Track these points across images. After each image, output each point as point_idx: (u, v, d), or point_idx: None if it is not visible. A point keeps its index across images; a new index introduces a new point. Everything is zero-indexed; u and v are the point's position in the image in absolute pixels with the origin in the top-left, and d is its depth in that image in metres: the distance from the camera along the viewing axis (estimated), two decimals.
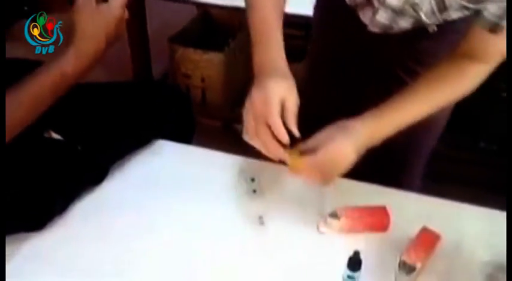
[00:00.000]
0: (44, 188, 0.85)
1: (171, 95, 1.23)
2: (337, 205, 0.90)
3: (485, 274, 0.82)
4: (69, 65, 0.75)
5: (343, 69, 1.09)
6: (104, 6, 0.78)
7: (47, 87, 0.75)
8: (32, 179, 0.84)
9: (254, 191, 0.95)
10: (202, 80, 2.11)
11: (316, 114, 0.86)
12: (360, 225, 0.87)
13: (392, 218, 0.88)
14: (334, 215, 0.87)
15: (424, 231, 0.85)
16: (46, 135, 0.93)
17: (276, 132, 0.76)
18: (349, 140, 0.78)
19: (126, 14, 0.81)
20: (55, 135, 0.93)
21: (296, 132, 0.77)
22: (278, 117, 0.75)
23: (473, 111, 2.16)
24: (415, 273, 0.78)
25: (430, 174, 1.32)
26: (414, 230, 0.86)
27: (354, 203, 0.91)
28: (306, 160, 0.78)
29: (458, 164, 2.11)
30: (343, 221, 0.86)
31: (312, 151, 0.78)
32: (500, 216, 0.91)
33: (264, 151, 0.79)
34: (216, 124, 2.08)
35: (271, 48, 0.83)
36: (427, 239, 0.83)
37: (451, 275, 0.83)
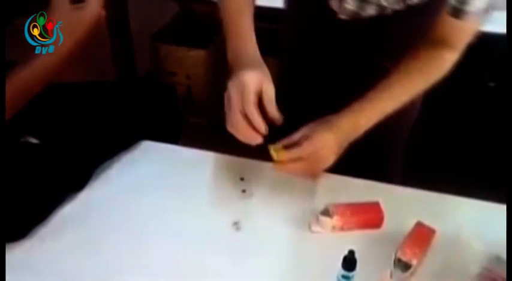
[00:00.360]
0: (23, 195, 0.81)
1: (157, 92, 1.20)
2: (328, 201, 0.87)
3: (481, 266, 0.81)
4: (41, 63, 0.74)
5: (316, 58, 1.09)
6: (79, 6, 0.76)
7: (17, 86, 0.73)
8: (10, 187, 0.80)
9: (243, 191, 0.93)
10: (188, 77, 2.08)
11: (292, 106, 0.87)
12: (353, 223, 0.85)
13: (385, 214, 0.86)
14: (326, 213, 0.85)
15: (419, 226, 0.83)
16: (23, 140, 0.89)
17: (252, 121, 0.77)
18: (332, 132, 0.80)
19: (103, 14, 0.79)
20: (32, 140, 0.90)
21: (277, 115, 0.78)
22: (253, 106, 0.76)
23: (460, 102, 2.17)
24: (411, 270, 0.76)
25: (416, 165, 1.31)
26: (408, 225, 0.84)
27: (344, 199, 0.89)
28: (291, 153, 0.79)
29: (445, 155, 2.13)
30: (335, 220, 0.84)
31: (295, 144, 0.80)
32: (494, 208, 0.91)
33: (242, 139, 0.80)
34: (203, 122, 2.05)
35: (244, 39, 0.85)
36: (422, 235, 0.81)
37: (447, 269, 0.81)
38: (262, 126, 0.77)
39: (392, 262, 0.77)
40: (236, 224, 0.86)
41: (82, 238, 0.84)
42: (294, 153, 0.80)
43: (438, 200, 0.93)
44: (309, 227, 0.86)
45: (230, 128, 0.80)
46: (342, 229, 0.85)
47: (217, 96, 2.03)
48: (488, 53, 1.90)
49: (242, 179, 0.95)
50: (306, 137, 0.80)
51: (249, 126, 0.77)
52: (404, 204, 0.91)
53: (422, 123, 1.15)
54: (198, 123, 2.01)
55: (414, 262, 0.76)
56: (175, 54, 2.04)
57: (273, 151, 0.81)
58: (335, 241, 0.84)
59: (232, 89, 0.78)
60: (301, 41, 1.12)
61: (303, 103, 1.12)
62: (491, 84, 2.12)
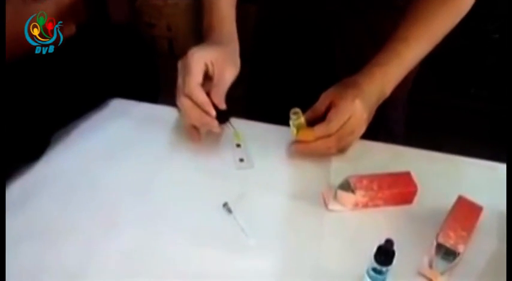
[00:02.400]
0: None
1: (131, 43, 1.00)
2: (347, 172, 0.70)
3: None
4: None
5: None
6: None
7: None
8: None
9: (241, 160, 0.75)
10: (169, 29, 1.88)
11: (271, 57, 0.83)
12: (381, 198, 0.68)
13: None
14: (345, 187, 0.68)
15: (462, 202, 0.67)
16: None
17: (197, 103, 0.69)
18: (362, 99, 0.70)
19: None
20: None
21: (222, 106, 0.70)
22: (196, 88, 0.68)
23: (464, 56, 2.08)
24: (458, 258, 0.60)
25: (419, 122, 1.21)
26: (447, 200, 0.68)
27: (367, 169, 0.72)
28: (317, 131, 0.70)
29: (449, 111, 2.07)
30: (359, 195, 0.67)
31: (319, 117, 0.71)
32: None
33: (191, 125, 0.73)
34: None
35: (219, 16, 0.78)
36: (467, 213, 0.65)
37: (498, 255, 0.65)
38: (211, 110, 0.69)
39: (433, 248, 0.61)
40: (230, 204, 0.68)
41: (37, 218, 0.65)
42: (321, 131, 0.70)
43: (483, 170, 0.77)
44: (325, 205, 0.69)
45: (179, 115, 0.73)
46: (366, 206, 0.68)
47: None
48: (491, 3, 1.80)
49: (238, 145, 0.77)
50: (333, 108, 0.70)
51: (198, 110, 0.69)
52: (441, 174, 0.74)
53: (425, 79, 1.02)
54: None
55: (461, 248, 0.60)
56: (154, 3, 1.83)
57: (294, 126, 0.71)
58: (357, 221, 0.67)
59: (179, 69, 0.71)
60: None
61: (285, 53, 0.97)
62: (496, 36, 2.03)
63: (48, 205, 0.67)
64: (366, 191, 0.67)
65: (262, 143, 0.78)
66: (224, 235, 0.65)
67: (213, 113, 0.69)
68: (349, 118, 0.69)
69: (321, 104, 0.72)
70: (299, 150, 0.73)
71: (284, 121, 0.75)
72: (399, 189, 0.68)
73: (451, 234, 0.62)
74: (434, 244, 0.61)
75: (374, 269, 0.57)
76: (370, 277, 0.58)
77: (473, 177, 0.74)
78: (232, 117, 0.74)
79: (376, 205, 0.69)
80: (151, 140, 0.79)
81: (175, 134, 0.80)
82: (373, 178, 0.69)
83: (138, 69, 0.95)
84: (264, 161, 0.75)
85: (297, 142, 0.73)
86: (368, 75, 0.73)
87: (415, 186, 0.68)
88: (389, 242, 0.54)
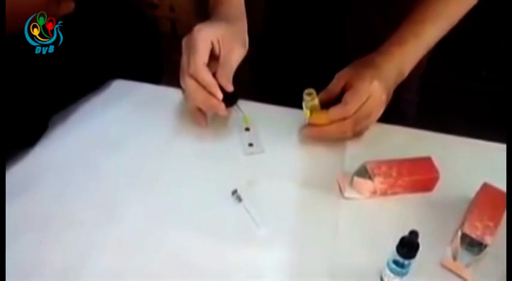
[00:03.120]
0: None
1: (133, 20, 0.95)
2: (363, 158, 0.66)
3: None
4: None
5: None
6: None
7: None
8: None
9: (250, 144, 0.70)
10: (172, 9, 1.82)
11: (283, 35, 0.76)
12: (401, 185, 0.64)
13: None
14: (363, 173, 0.64)
15: (487, 189, 0.62)
16: None
17: (203, 85, 0.64)
18: (380, 80, 0.65)
19: None
20: None
21: (230, 88, 0.65)
22: (201, 67, 0.64)
23: (475, 38, 2.03)
24: (485, 251, 0.56)
25: (428, 104, 1.16)
26: (470, 188, 0.64)
27: (385, 154, 0.67)
28: (332, 114, 0.65)
29: (459, 93, 2.02)
30: (378, 182, 0.62)
31: (333, 99, 0.66)
32: None
33: (196, 107, 0.68)
34: None
35: None
36: (492, 202, 0.60)
37: None
38: (216, 92, 0.64)
39: (458, 240, 0.57)
40: (239, 192, 0.64)
41: (34, 213, 0.61)
42: (336, 113, 0.64)
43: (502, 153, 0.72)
44: (341, 192, 0.65)
45: (183, 96, 0.70)
46: (384, 193, 0.64)
47: None
48: None
49: (247, 129, 0.72)
50: (350, 88, 0.65)
51: (204, 92, 0.65)
52: (463, 159, 0.70)
53: (435, 61, 0.97)
54: None
55: (488, 240, 0.56)
56: None
57: (307, 109, 0.66)
58: (375, 209, 0.63)
59: (183, 47, 0.67)
60: None
61: (295, 33, 0.92)
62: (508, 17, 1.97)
63: (45, 196, 0.63)
64: (385, 177, 0.62)
65: (273, 126, 0.73)
66: (233, 225, 0.61)
67: (220, 95, 0.65)
68: (366, 100, 0.64)
69: (335, 85, 0.67)
70: (312, 134, 0.69)
71: (295, 104, 0.71)
72: (420, 176, 0.64)
73: (477, 224, 0.58)
74: (459, 234, 0.57)
75: (395, 262, 0.53)
76: (390, 269, 0.54)
77: (499, 163, 0.69)
78: (240, 100, 0.69)
79: (395, 193, 0.64)
80: (154, 124, 0.74)
81: (179, 118, 0.75)
82: (392, 163, 0.64)
83: (140, 49, 0.90)
84: (274, 145, 0.71)
85: (309, 125, 0.68)
86: (386, 55, 0.68)
87: (436, 172, 0.64)
88: (414, 234, 0.50)
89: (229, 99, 0.66)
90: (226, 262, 0.57)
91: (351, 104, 0.64)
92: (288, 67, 0.96)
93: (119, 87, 0.82)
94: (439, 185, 0.66)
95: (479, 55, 2.10)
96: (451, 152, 0.70)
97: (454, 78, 2.09)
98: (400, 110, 0.93)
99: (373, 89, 0.64)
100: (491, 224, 0.58)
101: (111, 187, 0.65)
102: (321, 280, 0.56)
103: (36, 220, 0.60)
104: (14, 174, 0.66)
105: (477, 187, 0.63)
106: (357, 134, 0.69)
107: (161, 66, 1.03)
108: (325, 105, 0.67)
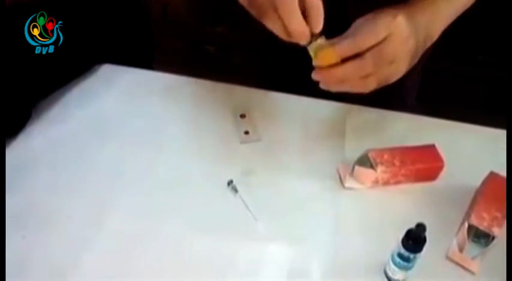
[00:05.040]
0: None
1: (125, 4, 0.90)
2: (365, 145, 0.63)
3: None
4: None
5: None
6: None
7: None
8: None
9: (246, 132, 0.67)
10: None
11: None
12: (404, 175, 0.61)
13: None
14: (364, 162, 0.61)
15: (494, 179, 0.60)
16: None
17: (286, 22, 0.48)
18: (405, 16, 0.52)
19: None
20: None
21: (319, 26, 0.49)
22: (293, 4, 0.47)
23: (471, 22, 2.00)
24: (493, 243, 0.54)
25: (423, 90, 1.14)
26: (475, 176, 0.61)
27: (384, 142, 0.65)
28: (341, 48, 0.50)
29: (454, 79, 1.99)
30: (380, 171, 0.59)
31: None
32: None
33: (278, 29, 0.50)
34: (182, 45, 1.75)
35: None
36: (500, 192, 0.58)
37: None
38: (303, 28, 0.49)
39: (465, 231, 0.55)
40: (235, 182, 0.61)
41: (19, 209, 0.58)
42: (344, 46, 0.50)
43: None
44: (341, 182, 0.62)
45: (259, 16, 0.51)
46: (386, 183, 0.61)
47: (199, 16, 1.75)
48: None
49: (243, 116, 0.69)
50: (367, 22, 0.52)
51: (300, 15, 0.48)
52: (467, 147, 0.67)
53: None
54: (176, 47, 1.72)
55: (496, 231, 0.54)
56: None
57: (312, 51, 0.52)
58: (377, 199, 0.61)
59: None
60: None
61: None
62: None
63: (28, 188, 0.60)
64: (387, 166, 0.60)
65: (270, 113, 0.70)
66: (229, 218, 0.58)
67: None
68: (386, 38, 0.51)
69: (352, 28, 0.53)
70: (322, 78, 0.53)
71: (294, 90, 0.67)
72: (424, 164, 0.61)
73: (485, 215, 0.55)
74: (466, 225, 0.55)
75: (400, 256, 0.50)
76: (395, 263, 0.51)
77: (505, 151, 0.66)
78: (237, 85, 0.66)
79: (398, 182, 0.62)
80: (145, 112, 0.71)
81: (171, 105, 0.72)
82: (395, 151, 0.61)
83: (129, 32, 0.86)
84: (272, 133, 0.67)
85: (317, 69, 0.53)
86: (418, 9, 0.55)
87: (441, 161, 0.61)
88: (421, 227, 0.47)
89: None
90: (222, 256, 0.54)
91: (361, 35, 0.51)
92: (289, 52, 0.92)
93: (107, 72, 0.78)
94: (442, 173, 0.63)
95: (475, 39, 2.07)
96: (455, 139, 0.68)
97: (450, 63, 2.07)
98: (400, 96, 0.90)
99: (397, 24, 0.51)
100: (499, 215, 0.55)
101: (101, 178, 0.61)
102: (322, 273, 0.53)
103: (18, 214, 0.57)
104: None
105: (483, 176, 0.61)
106: (381, 83, 0.54)
107: (152, 51, 0.99)
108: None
